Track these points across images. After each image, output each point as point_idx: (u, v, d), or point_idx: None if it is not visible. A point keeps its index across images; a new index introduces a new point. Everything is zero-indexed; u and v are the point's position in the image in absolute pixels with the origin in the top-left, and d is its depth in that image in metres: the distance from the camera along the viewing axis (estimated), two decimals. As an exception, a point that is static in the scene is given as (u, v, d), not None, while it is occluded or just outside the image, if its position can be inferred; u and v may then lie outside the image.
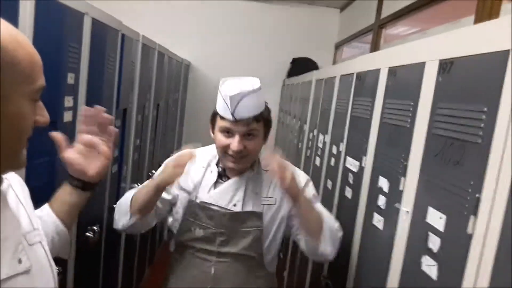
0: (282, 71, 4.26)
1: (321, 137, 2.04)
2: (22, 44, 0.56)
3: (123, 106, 1.96)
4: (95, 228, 1.63)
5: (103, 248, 1.86)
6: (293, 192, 1.17)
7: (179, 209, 1.33)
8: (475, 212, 0.70)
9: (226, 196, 1.29)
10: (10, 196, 0.65)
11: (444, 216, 0.80)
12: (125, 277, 2.38)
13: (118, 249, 2.23)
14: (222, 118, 1.23)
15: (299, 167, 2.21)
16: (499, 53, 0.68)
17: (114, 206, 1.98)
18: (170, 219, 1.41)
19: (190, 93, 4.43)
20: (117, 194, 2.05)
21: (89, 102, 1.43)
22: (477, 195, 0.70)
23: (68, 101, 1.30)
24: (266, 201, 1.30)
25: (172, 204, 1.36)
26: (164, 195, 1.31)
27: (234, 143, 1.21)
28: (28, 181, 0.81)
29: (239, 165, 1.26)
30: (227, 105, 1.18)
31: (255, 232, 1.28)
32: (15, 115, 0.55)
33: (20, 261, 0.59)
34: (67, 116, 1.30)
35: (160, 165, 2.51)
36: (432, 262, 0.83)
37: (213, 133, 1.31)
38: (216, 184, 1.31)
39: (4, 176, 0.64)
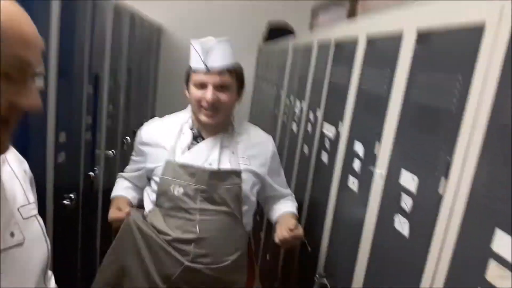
0: (258, 36, 4.19)
1: (298, 103, 2.07)
2: (12, 17, 0.52)
3: (94, 71, 1.90)
4: (71, 195, 1.62)
5: (80, 215, 1.86)
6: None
7: (157, 174, 1.35)
8: (446, 174, 0.75)
9: (202, 156, 1.33)
10: (4, 171, 0.65)
11: (416, 178, 0.86)
12: (103, 243, 2.40)
13: (95, 215, 2.23)
14: (195, 72, 1.29)
15: (275, 134, 2.26)
16: (475, 24, 0.70)
17: (91, 173, 1.97)
18: (146, 190, 1.44)
19: (163, 58, 4.31)
20: (92, 161, 2.03)
21: (61, 69, 1.38)
22: (448, 158, 0.75)
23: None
24: (243, 160, 1.37)
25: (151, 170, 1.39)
26: (138, 171, 1.45)
27: (208, 93, 1.26)
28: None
29: (214, 119, 1.30)
30: (199, 55, 1.25)
31: (235, 189, 1.33)
32: None
33: (12, 234, 0.59)
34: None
35: (134, 132, 2.50)
36: (404, 220, 0.89)
37: (188, 92, 1.34)
38: (191, 146, 1.35)
39: None
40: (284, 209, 1.51)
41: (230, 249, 1.37)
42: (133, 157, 1.53)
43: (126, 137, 2.86)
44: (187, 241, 1.30)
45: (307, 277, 1.57)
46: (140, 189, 1.51)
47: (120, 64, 2.48)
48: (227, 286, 1.40)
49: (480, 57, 0.68)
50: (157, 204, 1.35)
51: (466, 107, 0.71)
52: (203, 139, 1.36)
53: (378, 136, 1.06)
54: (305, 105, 1.91)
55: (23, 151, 1.15)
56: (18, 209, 0.64)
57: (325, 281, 1.38)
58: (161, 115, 1.53)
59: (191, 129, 1.37)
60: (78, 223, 1.85)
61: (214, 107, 1.28)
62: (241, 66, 1.37)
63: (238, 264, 1.40)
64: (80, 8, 1.60)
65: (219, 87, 1.28)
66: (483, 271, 0.63)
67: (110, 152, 2.39)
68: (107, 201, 2.42)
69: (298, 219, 1.58)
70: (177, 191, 1.29)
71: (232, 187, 1.33)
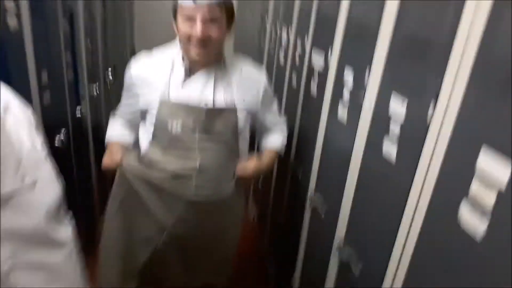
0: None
1: (284, 32, 2.01)
2: None
3: (69, 8, 1.79)
4: (62, 137, 1.61)
5: (73, 155, 1.87)
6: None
7: (152, 113, 1.34)
8: (436, 95, 0.77)
9: (196, 92, 1.31)
10: (9, 117, 0.67)
11: (406, 102, 0.88)
12: (99, 179, 2.45)
13: (88, 154, 2.25)
14: (182, 6, 1.23)
15: (261, 67, 2.20)
16: None
17: (77, 112, 1.95)
18: (141, 130, 1.43)
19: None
20: (77, 100, 1.99)
21: (33, 7, 1.30)
22: (438, 80, 0.76)
23: (10, 5, 1.17)
24: (237, 95, 1.36)
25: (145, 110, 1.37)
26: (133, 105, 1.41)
27: (197, 28, 1.21)
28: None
29: (204, 54, 1.26)
30: None
31: (231, 124, 1.35)
32: None
33: (23, 177, 0.62)
34: (12, 22, 1.18)
35: (115, 67, 2.40)
36: (392, 146, 0.94)
37: (176, 28, 1.29)
38: (184, 82, 1.32)
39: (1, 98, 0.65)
40: (267, 145, 1.58)
41: (229, 177, 1.42)
42: (124, 100, 1.47)
43: (108, 69, 2.78)
44: (188, 176, 1.34)
45: (298, 203, 1.67)
46: (135, 127, 1.48)
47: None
48: (229, 212, 1.49)
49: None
50: (154, 141, 1.36)
51: (458, 28, 0.71)
52: (194, 73, 1.33)
53: (368, 64, 1.06)
54: (292, 35, 1.86)
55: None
56: (26, 154, 0.66)
57: (315, 201, 1.47)
58: (140, 47, 1.47)
59: (183, 64, 1.33)
60: (72, 163, 1.87)
61: (204, 42, 1.23)
62: (231, 1, 1.30)
63: (236, 190, 1.47)
64: None
65: (208, 21, 1.22)
66: (467, 189, 0.68)
67: (94, 89, 2.34)
68: (97, 139, 2.44)
69: (288, 146, 1.64)
70: (175, 129, 1.30)
71: (228, 122, 1.35)
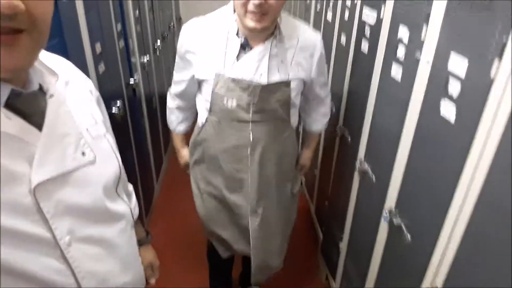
0: None
1: (332, -13, 1.90)
2: None
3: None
4: (118, 104, 1.70)
5: (129, 121, 1.97)
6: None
7: (208, 84, 1.34)
8: (500, 55, 0.71)
9: (251, 68, 1.27)
10: (70, 92, 0.66)
11: (466, 60, 0.81)
12: (154, 143, 2.58)
13: (143, 120, 2.36)
14: None
15: (308, 25, 2.13)
16: None
17: (131, 81, 2.03)
18: (198, 97, 1.45)
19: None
20: (130, 69, 2.06)
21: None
22: (504, 38, 0.70)
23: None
24: (292, 68, 1.31)
25: (201, 81, 1.38)
26: (187, 75, 1.41)
27: None
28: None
29: (261, 23, 1.18)
30: None
31: (285, 97, 1.33)
32: None
33: (83, 153, 0.62)
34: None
35: (163, 37, 2.43)
36: (451, 106, 0.88)
37: None
38: (239, 56, 1.28)
39: (59, 73, 0.64)
40: (310, 128, 1.65)
41: (280, 148, 1.45)
42: (177, 73, 1.45)
43: (157, 39, 2.84)
44: (243, 147, 1.38)
45: (347, 166, 1.65)
46: (192, 106, 1.52)
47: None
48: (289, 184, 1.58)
49: None
50: (210, 114, 1.38)
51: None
52: (250, 48, 1.28)
53: (425, 18, 0.98)
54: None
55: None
56: (87, 129, 0.66)
57: (365, 166, 1.44)
58: (186, 16, 1.45)
59: (238, 36, 1.28)
60: (129, 128, 1.97)
61: (262, 11, 1.15)
62: None
63: (287, 155, 1.51)
64: None
65: None
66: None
67: (145, 58, 2.41)
68: (150, 106, 2.54)
69: (336, 109, 1.61)
70: (230, 104, 1.31)
71: (282, 96, 1.33)
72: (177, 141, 1.65)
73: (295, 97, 1.38)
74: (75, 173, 0.60)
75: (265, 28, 1.22)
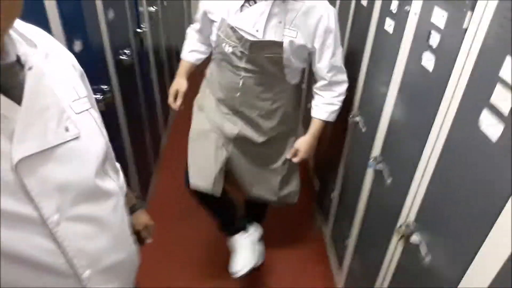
0: None
1: None
2: None
3: None
4: (126, 51, 1.77)
5: (137, 68, 2.05)
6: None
7: (215, 26, 1.43)
8: (472, 7, 0.78)
9: (250, 21, 1.35)
10: (50, 65, 0.61)
11: (446, 14, 0.88)
12: (161, 91, 2.67)
13: (150, 69, 2.44)
14: None
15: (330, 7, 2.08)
16: None
17: (139, 31, 2.08)
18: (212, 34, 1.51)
19: None
20: (138, 18, 2.12)
21: None
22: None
23: None
24: (288, 32, 1.35)
25: (211, 21, 1.45)
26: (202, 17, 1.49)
27: None
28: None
29: None
30: None
31: (275, 57, 1.38)
32: None
33: (67, 129, 0.59)
34: None
35: None
36: (431, 56, 0.95)
37: None
38: (243, 7, 1.35)
39: (39, 46, 0.60)
40: (316, 112, 1.53)
41: (272, 100, 1.50)
42: (198, 14, 1.53)
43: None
44: (235, 89, 1.47)
45: (342, 117, 1.72)
46: (204, 47, 1.61)
47: None
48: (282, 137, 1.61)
49: None
50: (215, 53, 1.50)
51: None
52: (255, 2, 1.35)
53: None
54: None
55: (77, 14, 1.27)
56: (69, 105, 0.62)
57: (357, 119, 1.53)
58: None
59: None
60: (136, 75, 2.06)
61: None
62: None
63: (286, 115, 1.56)
64: None
65: None
66: (489, 96, 0.71)
67: (152, 8, 2.44)
68: (157, 54, 2.60)
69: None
70: (227, 49, 1.41)
71: (273, 55, 1.38)
72: (181, 67, 1.64)
73: (289, 58, 1.39)
74: (58, 149, 0.57)
75: None
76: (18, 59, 0.55)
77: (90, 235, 0.63)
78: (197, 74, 1.68)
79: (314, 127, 1.53)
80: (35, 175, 0.53)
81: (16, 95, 0.52)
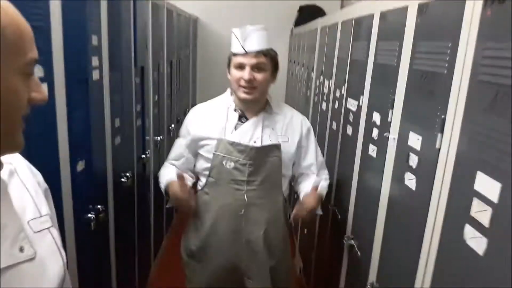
0: (290, 20, 4.28)
1: (326, 82, 2.17)
2: (8, 13, 0.51)
3: (140, 64, 2.12)
4: (127, 174, 1.85)
5: (136, 192, 2.11)
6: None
7: (208, 150, 1.53)
8: (441, 130, 0.86)
9: (247, 134, 1.52)
10: (14, 182, 0.63)
11: (420, 137, 0.97)
12: (156, 217, 2.67)
13: (148, 194, 2.49)
14: (235, 55, 1.49)
15: (308, 114, 2.42)
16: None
17: (143, 156, 2.21)
18: (197, 164, 1.62)
19: (200, 48, 4.54)
20: (143, 145, 2.27)
21: (112, 63, 1.60)
22: (442, 116, 0.85)
23: (95, 61, 1.46)
24: (282, 137, 1.55)
25: (198, 149, 1.58)
26: (186, 147, 1.61)
27: (245, 73, 1.46)
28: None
29: (251, 95, 1.48)
30: (239, 40, 1.46)
31: (276, 160, 1.53)
32: (6, 91, 0.50)
33: (21, 249, 0.57)
34: (95, 75, 1.47)
35: (178, 120, 2.63)
36: (412, 176, 1.01)
37: (229, 74, 1.54)
38: (237, 126, 1.54)
39: (7, 161, 0.62)
40: (309, 186, 1.55)
41: (272, 209, 1.57)
42: (179, 140, 1.66)
43: (172, 125, 3.11)
44: (238, 206, 1.51)
45: (338, 241, 1.71)
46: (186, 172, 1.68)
47: (162, 56, 2.69)
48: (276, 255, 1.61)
49: (463, 24, 0.78)
50: (209, 176, 1.56)
51: (454, 68, 0.81)
52: (246, 119, 1.55)
53: (391, 104, 1.16)
54: (332, 84, 2.02)
55: (85, 137, 1.39)
56: (28, 223, 0.61)
57: (352, 242, 1.51)
58: (202, 101, 1.70)
59: (235, 110, 1.57)
60: (134, 198, 2.10)
61: (251, 85, 1.47)
62: (275, 51, 1.55)
63: (278, 221, 1.59)
64: (122, 7, 1.79)
65: (255, 68, 1.46)
66: (469, 209, 0.74)
67: (158, 138, 2.64)
68: (157, 184, 2.68)
69: (329, 190, 1.71)
70: (229, 165, 1.51)
71: (274, 158, 1.53)
72: (174, 187, 1.49)
73: (287, 162, 1.55)
74: (8, 271, 0.54)
75: (255, 100, 1.52)
76: None
77: None
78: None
79: (317, 197, 1.51)
80: None
81: None
